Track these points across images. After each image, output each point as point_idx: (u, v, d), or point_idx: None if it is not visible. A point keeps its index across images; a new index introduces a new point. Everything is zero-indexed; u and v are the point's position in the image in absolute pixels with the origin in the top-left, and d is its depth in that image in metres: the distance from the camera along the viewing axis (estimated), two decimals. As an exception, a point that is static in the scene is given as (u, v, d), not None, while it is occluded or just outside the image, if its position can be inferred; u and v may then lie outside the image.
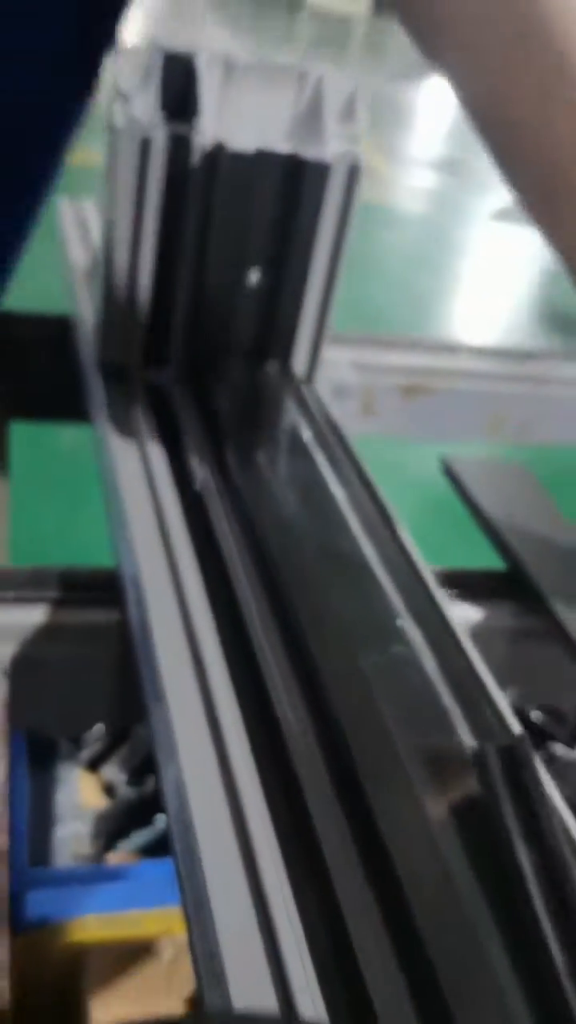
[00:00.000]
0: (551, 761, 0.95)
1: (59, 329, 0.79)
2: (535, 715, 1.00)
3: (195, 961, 0.33)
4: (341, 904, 0.33)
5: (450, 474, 0.71)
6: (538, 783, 0.37)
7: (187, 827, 0.36)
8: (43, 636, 0.53)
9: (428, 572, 0.52)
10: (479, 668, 0.45)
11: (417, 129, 6.42)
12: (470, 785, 0.38)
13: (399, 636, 0.46)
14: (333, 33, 8.79)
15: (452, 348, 0.96)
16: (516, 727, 0.42)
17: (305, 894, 0.34)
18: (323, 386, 0.86)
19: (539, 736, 0.99)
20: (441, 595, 0.51)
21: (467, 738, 0.41)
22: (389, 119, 6.30)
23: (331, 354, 0.89)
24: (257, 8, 8.86)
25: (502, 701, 0.44)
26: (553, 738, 0.98)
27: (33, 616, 0.53)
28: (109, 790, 1.01)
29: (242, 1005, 0.31)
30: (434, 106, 7.06)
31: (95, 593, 0.54)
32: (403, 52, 8.37)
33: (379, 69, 7.68)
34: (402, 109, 6.63)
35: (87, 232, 0.88)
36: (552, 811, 0.36)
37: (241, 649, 0.44)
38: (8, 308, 0.77)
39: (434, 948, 0.32)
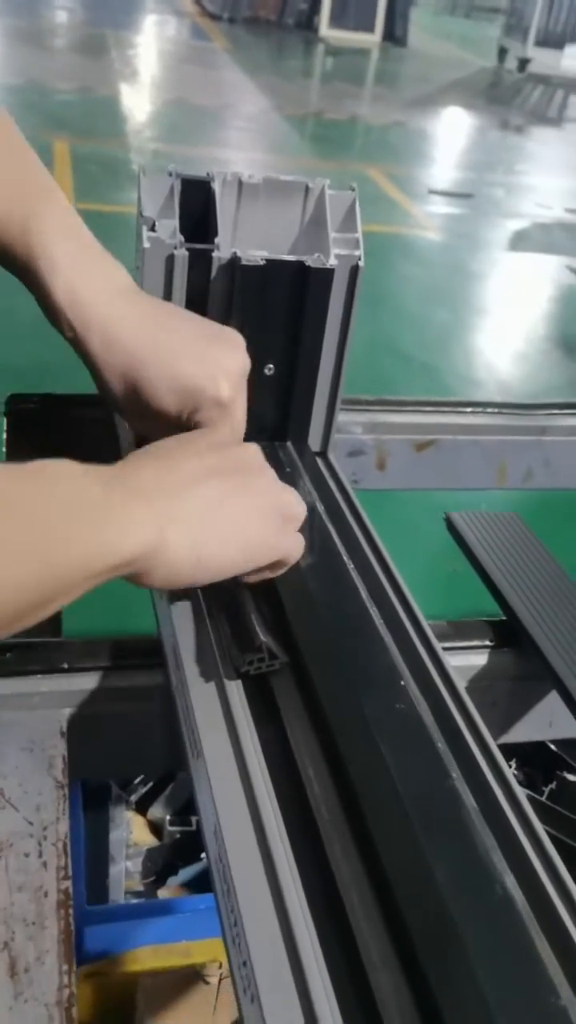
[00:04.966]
0: (563, 788, 1.01)
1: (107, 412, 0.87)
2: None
3: (231, 971, 0.41)
4: (353, 929, 0.41)
5: (452, 529, 0.79)
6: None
7: (223, 864, 0.44)
8: (96, 698, 0.61)
9: (424, 621, 0.59)
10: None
11: (430, 158, 6.52)
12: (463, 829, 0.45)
13: (395, 675, 0.53)
14: (348, 65, 8.97)
15: (458, 404, 1.03)
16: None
17: (323, 921, 0.41)
18: (340, 448, 0.94)
19: (553, 765, 1.05)
20: (436, 645, 0.58)
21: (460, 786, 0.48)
22: (403, 148, 6.42)
23: (347, 417, 0.97)
24: (278, 49, 9.10)
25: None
26: (569, 767, 1.05)
27: (86, 682, 0.62)
28: (156, 829, 1.09)
29: (268, 1008, 0.38)
30: (448, 135, 7.19)
31: (140, 659, 0.62)
32: (416, 82, 8.51)
33: (394, 98, 7.82)
34: (416, 137, 6.75)
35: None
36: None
37: (263, 697, 0.52)
38: (61, 391, 0.86)
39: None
